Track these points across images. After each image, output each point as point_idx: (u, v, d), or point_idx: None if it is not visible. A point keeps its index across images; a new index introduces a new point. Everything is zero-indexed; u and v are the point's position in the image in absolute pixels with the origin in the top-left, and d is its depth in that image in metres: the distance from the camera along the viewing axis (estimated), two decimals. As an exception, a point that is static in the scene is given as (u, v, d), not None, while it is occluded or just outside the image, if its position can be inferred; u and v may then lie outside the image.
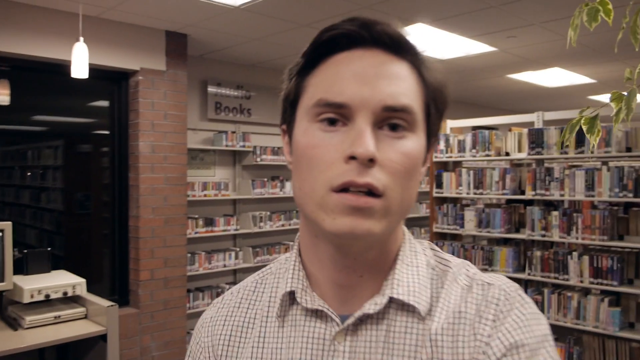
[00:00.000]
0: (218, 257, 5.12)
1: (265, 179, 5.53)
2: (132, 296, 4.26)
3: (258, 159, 5.43)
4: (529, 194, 4.51)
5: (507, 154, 4.86)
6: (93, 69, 3.96)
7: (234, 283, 5.30)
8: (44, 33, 3.68)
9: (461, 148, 5.10)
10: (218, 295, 5.09)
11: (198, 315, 5.09)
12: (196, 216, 5.01)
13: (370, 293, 0.66)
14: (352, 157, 0.57)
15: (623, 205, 4.67)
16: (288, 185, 5.70)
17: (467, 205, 5.28)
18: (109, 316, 2.78)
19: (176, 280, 4.37)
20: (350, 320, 0.64)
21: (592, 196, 4.14)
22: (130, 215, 4.25)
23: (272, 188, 5.57)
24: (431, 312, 0.65)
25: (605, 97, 8.23)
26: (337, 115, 0.60)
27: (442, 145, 5.02)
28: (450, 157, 5.20)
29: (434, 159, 5.09)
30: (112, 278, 4.34)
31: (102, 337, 2.79)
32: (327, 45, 0.62)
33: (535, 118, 4.71)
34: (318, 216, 0.60)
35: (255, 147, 5.44)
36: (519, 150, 4.83)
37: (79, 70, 3.25)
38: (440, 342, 0.62)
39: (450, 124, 5.33)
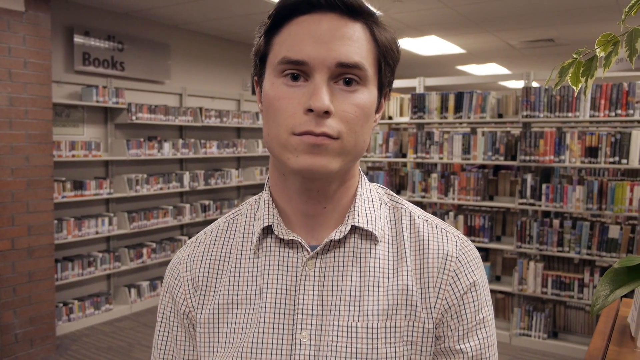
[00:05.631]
0: (89, 224, 4.70)
1: (142, 139, 5.15)
2: (-12, 269, 3.76)
3: (133, 117, 5.02)
4: (410, 157, 4.67)
5: (390, 117, 4.99)
6: None
7: (108, 251, 4.94)
8: None
9: (346, 111, 5.12)
10: (90, 264, 4.71)
11: (68, 286, 4.66)
12: (63, 179, 4.52)
13: (334, 223, 0.78)
14: (310, 110, 0.67)
15: (493, 168, 5.04)
16: (167, 145, 5.37)
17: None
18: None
19: (42, 250, 3.93)
20: (319, 248, 0.75)
21: (468, 159, 4.40)
22: (-16, 177, 3.71)
23: (149, 149, 5.20)
24: (387, 238, 0.78)
25: (470, 68, 8.77)
26: (298, 71, 0.69)
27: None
28: (335, 119, 5.22)
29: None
30: (-37, 249, 3.79)
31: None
32: (289, 9, 0.70)
33: (416, 83, 4.85)
34: (284, 155, 0.70)
35: (130, 104, 5.02)
36: (401, 115, 4.97)
37: None
38: (405, 263, 0.76)
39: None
